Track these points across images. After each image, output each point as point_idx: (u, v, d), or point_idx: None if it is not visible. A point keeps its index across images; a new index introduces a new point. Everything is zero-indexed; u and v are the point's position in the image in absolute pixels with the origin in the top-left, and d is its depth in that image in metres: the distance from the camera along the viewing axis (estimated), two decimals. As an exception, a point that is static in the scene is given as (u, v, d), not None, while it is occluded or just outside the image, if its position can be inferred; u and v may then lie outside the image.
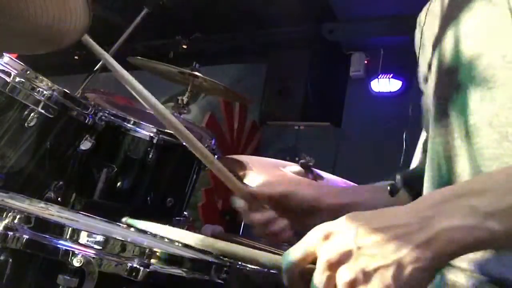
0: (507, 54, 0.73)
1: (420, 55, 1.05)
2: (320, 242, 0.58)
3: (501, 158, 0.71)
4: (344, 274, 0.55)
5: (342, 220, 0.59)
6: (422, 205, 0.58)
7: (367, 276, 0.54)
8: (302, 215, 0.96)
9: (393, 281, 0.53)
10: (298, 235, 0.98)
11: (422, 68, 1.04)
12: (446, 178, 0.82)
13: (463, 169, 0.77)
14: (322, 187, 0.99)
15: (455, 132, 0.79)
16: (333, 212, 0.96)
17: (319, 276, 0.57)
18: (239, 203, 0.94)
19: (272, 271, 1.09)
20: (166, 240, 1.07)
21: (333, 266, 0.56)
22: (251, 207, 0.93)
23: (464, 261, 0.73)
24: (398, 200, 1.02)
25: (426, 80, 0.99)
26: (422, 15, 1.05)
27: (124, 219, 1.04)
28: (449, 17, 0.87)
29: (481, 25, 0.79)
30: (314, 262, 0.59)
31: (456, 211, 0.55)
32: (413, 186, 1.00)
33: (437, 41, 0.91)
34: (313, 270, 0.58)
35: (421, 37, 1.03)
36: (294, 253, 0.60)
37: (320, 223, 0.98)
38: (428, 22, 0.98)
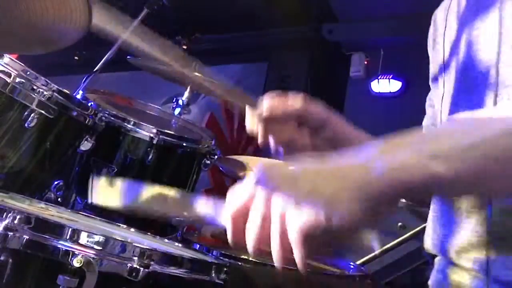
0: None
1: (432, 52, 1.05)
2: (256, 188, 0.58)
3: None
4: (278, 201, 0.55)
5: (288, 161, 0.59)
6: (371, 148, 0.57)
7: (299, 206, 0.53)
8: (316, 131, 0.96)
9: (324, 216, 0.52)
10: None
11: (434, 65, 1.03)
12: None
13: None
14: (330, 112, 0.98)
15: None
16: (334, 140, 0.97)
17: (255, 210, 0.57)
18: (252, 124, 0.92)
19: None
20: (165, 240, 1.07)
21: (269, 193, 0.56)
22: (266, 126, 0.92)
23: (469, 261, 0.73)
24: None
25: (436, 79, 0.98)
26: (438, 12, 1.04)
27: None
28: (467, 17, 0.87)
29: (496, 26, 0.78)
30: None
31: (402, 153, 0.54)
32: None
33: (455, 41, 0.91)
34: None
35: (434, 34, 1.02)
36: (233, 202, 0.61)
37: (323, 143, 0.98)
38: (446, 20, 0.97)
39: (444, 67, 0.94)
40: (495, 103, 0.74)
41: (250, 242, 0.58)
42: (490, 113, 0.67)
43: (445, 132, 0.57)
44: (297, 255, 0.54)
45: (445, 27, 0.97)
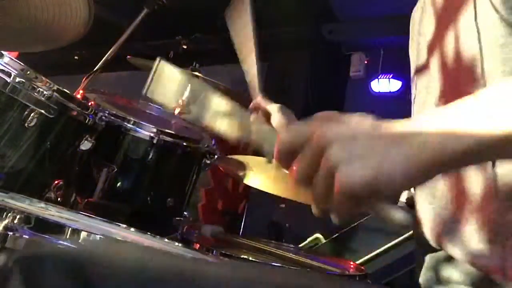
0: (506, 63, 0.72)
1: (410, 53, 1.05)
2: (318, 125, 0.59)
3: None
4: (331, 152, 0.55)
5: (349, 115, 0.60)
6: (418, 120, 0.59)
7: (352, 158, 0.54)
8: None
9: (374, 171, 0.53)
10: None
11: (413, 66, 1.04)
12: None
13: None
14: None
15: None
16: None
17: (307, 151, 0.58)
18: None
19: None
20: (165, 240, 1.07)
21: (324, 143, 0.56)
22: None
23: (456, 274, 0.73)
24: None
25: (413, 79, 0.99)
26: (414, 13, 1.04)
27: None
28: (446, 14, 0.87)
29: (473, 24, 0.78)
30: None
31: (457, 117, 0.56)
32: None
33: (434, 39, 0.91)
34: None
35: (412, 35, 1.02)
36: (293, 130, 0.61)
37: None
38: (421, 19, 0.97)
39: (422, 67, 0.94)
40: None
41: (295, 171, 0.59)
42: None
43: (495, 96, 0.57)
44: (337, 206, 0.56)
45: (420, 27, 0.97)
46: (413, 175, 0.53)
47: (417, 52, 0.96)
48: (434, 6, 0.92)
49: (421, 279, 0.81)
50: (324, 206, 0.58)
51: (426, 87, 0.90)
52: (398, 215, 0.54)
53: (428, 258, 0.81)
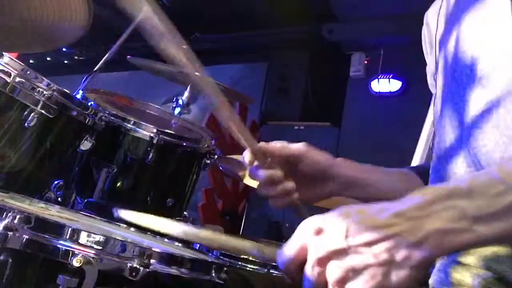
0: (508, 55, 0.72)
1: (428, 54, 1.05)
2: (311, 237, 0.59)
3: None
4: (334, 272, 0.56)
5: (334, 215, 0.59)
6: (413, 205, 0.57)
7: (356, 274, 0.55)
8: (311, 182, 0.90)
9: (382, 280, 0.54)
10: (303, 201, 0.91)
11: (431, 67, 1.04)
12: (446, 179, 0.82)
13: (465, 171, 0.77)
14: (335, 158, 0.93)
15: (455, 133, 0.80)
16: (343, 185, 0.93)
17: (310, 271, 0.58)
18: (248, 157, 0.85)
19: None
20: (165, 240, 1.07)
21: (323, 263, 0.57)
22: (260, 163, 0.86)
23: (474, 258, 0.73)
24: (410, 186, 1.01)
25: (435, 80, 0.99)
26: (429, 13, 1.04)
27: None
28: (456, 12, 0.87)
29: (481, 22, 0.79)
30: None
31: (446, 213, 0.55)
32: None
33: (443, 38, 0.91)
34: None
35: (430, 37, 1.03)
36: (288, 250, 0.61)
37: (328, 193, 0.93)
38: (436, 20, 0.98)
39: (436, 66, 0.94)
40: (484, 106, 0.74)
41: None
42: None
43: (483, 188, 0.57)
44: None
45: (437, 28, 0.97)
46: (417, 270, 0.55)
47: (433, 54, 0.97)
48: (448, 6, 0.93)
49: (431, 280, 0.81)
50: None
51: (439, 86, 0.90)
52: None
53: (440, 259, 0.81)
